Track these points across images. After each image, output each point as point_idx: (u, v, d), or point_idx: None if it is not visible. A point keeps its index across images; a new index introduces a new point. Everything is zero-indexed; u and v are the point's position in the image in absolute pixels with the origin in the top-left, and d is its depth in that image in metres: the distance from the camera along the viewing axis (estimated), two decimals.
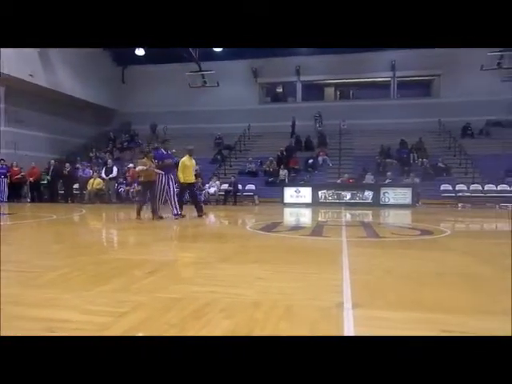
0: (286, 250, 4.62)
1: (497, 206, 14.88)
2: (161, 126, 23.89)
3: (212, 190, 16.93)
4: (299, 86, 25.33)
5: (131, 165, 17.03)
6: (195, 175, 10.61)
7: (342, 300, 2.51)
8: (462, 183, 16.58)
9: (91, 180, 16.62)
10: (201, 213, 9.29)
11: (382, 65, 23.37)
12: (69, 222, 9.15)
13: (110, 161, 18.04)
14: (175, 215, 8.61)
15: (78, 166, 18.40)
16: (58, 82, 20.69)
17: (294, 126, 22.42)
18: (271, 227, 7.16)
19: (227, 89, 23.87)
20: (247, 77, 24.77)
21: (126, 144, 23.83)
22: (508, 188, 15.99)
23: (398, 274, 3.33)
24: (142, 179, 8.65)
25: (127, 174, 17.27)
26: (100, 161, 20.85)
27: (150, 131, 24.34)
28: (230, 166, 20.32)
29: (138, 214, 8.53)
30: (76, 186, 17.47)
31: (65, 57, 20.81)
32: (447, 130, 20.47)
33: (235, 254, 4.34)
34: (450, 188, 16.39)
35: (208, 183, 17.29)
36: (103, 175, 16.80)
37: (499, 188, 16.11)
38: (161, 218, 8.49)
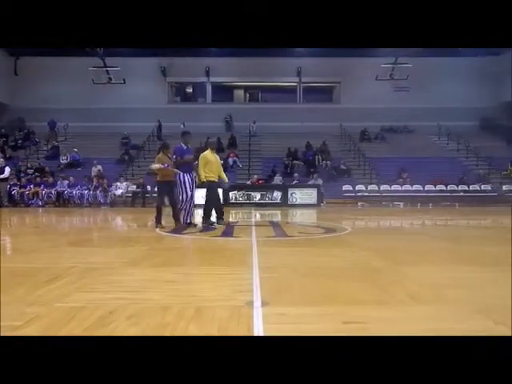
0: (196, 252, 4.58)
1: (391, 205, 16.29)
2: (61, 123, 22.22)
3: (119, 192, 16.20)
4: (209, 87, 25.33)
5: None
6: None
7: (252, 299, 2.55)
8: (361, 184, 17.89)
9: None
10: (221, 220, 7.67)
11: (289, 70, 24.34)
12: None
13: (1, 160, 16.34)
14: (186, 223, 7.26)
15: None
16: None
17: (160, 127, 22.18)
18: (181, 229, 7.04)
19: (134, 87, 23.05)
20: (155, 75, 24.14)
21: (20, 142, 21.77)
22: (400, 188, 17.61)
23: (304, 270, 3.48)
24: (158, 178, 7.37)
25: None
26: None
27: (49, 129, 22.51)
28: (138, 166, 19.60)
29: (158, 221, 7.18)
30: None
31: None
32: (348, 134, 21.97)
33: (143, 257, 4.19)
34: (351, 188, 17.58)
35: (114, 184, 16.49)
36: None
37: (392, 188, 17.68)
38: (191, 224, 7.25)
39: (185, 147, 7.26)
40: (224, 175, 7.86)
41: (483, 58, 22.88)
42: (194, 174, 7.34)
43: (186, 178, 7.08)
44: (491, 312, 2.27)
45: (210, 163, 7.46)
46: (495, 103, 23.52)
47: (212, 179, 7.47)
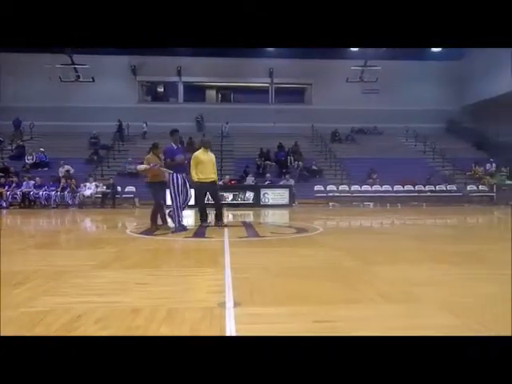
0: (167, 253, 4.53)
1: (361, 205, 16.59)
2: (26, 122, 21.46)
3: (88, 192, 15.81)
4: (181, 87, 25.10)
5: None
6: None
7: (224, 300, 2.54)
8: (332, 184, 18.14)
9: None
10: (220, 221, 7.30)
11: (262, 71, 24.41)
12: None
13: None
14: (180, 225, 6.80)
15: None
16: None
17: (120, 127, 21.98)
18: (152, 230, 6.94)
19: (104, 85, 22.57)
20: (126, 74, 23.71)
21: None
22: (370, 188, 17.96)
23: (276, 271, 3.50)
24: (148, 180, 7.11)
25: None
26: None
27: (14, 128, 21.71)
28: (108, 166, 19.21)
29: (153, 221, 7.00)
30: None
31: None
32: (319, 135, 22.24)
33: (113, 259, 4.11)
34: (322, 189, 17.79)
35: (83, 185, 16.09)
36: None
37: (363, 188, 18.01)
38: (184, 226, 6.90)
39: (175, 147, 6.98)
40: (215, 175, 7.44)
41: (448, 62, 23.65)
42: (185, 175, 7.00)
43: (178, 178, 6.78)
44: (456, 309, 2.35)
45: (202, 163, 7.16)
46: (459, 106, 24.35)
47: (202, 180, 7.16)
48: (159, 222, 7.08)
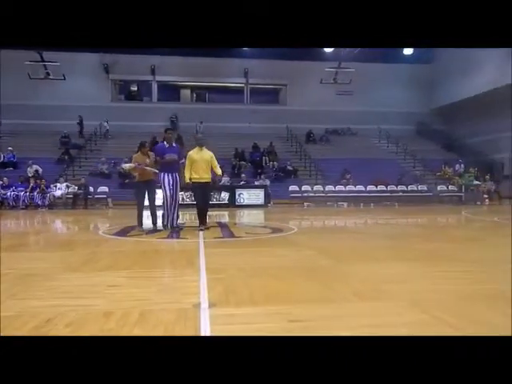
0: (141, 255, 4.45)
1: (335, 205, 16.80)
2: None
3: (58, 193, 15.40)
4: (155, 86, 24.81)
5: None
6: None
7: (199, 301, 2.52)
8: (306, 184, 18.28)
9: None
10: (202, 225, 6.82)
11: (236, 71, 24.39)
12: None
13: None
14: (172, 227, 6.74)
15: None
16: None
17: (81, 123, 21.59)
18: (126, 231, 6.82)
19: (75, 83, 22.07)
20: (98, 72, 23.25)
21: None
22: (344, 188, 18.20)
23: (251, 271, 3.50)
24: (135, 179, 6.92)
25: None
26: None
27: None
28: (80, 166, 18.76)
29: (139, 223, 6.91)
30: None
31: None
32: (294, 135, 22.38)
33: (84, 262, 4.02)
34: (297, 189, 17.91)
35: (53, 185, 15.66)
36: None
37: (337, 188, 18.24)
38: (177, 228, 6.78)
39: (167, 145, 6.78)
40: (218, 170, 7.00)
41: (419, 65, 24.25)
42: (176, 174, 6.80)
43: (167, 178, 6.61)
44: (425, 305, 2.40)
45: (195, 163, 6.75)
46: (429, 109, 25.00)
47: (195, 181, 6.75)
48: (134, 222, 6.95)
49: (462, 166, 20.20)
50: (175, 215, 6.83)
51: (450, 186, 18.83)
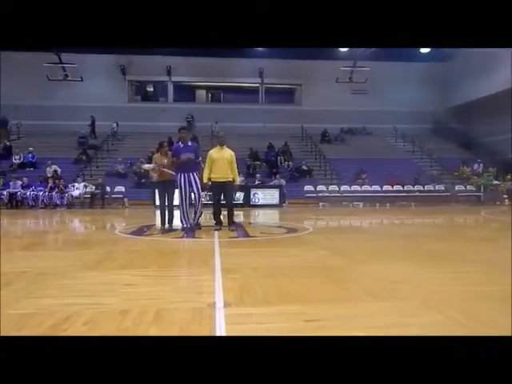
0: (156, 254, 4.49)
1: (350, 205, 16.67)
2: (14, 121, 21.13)
3: (76, 193, 15.64)
4: (170, 87, 24.99)
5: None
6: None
7: (214, 300, 2.53)
8: (322, 184, 18.19)
9: None
10: (231, 225, 6.84)
11: (251, 71, 24.37)
12: None
13: None
14: (191, 226, 6.75)
15: None
16: None
17: (93, 124, 21.69)
18: (142, 231, 6.90)
19: (92, 84, 22.34)
20: (114, 73, 23.51)
21: None
22: (359, 188, 18.05)
23: (265, 271, 3.49)
24: (154, 179, 6.99)
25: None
26: None
27: (0, 127, 21.37)
28: (97, 166, 19.02)
29: (162, 223, 6.82)
30: None
31: None
32: (309, 135, 22.29)
33: (101, 260, 4.07)
34: (312, 189, 17.83)
35: (71, 185, 15.91)
36: None
37: (352, 188, 18.09)
38: (194, 227, 6.77)
39: (181, 145, 6.71)
40: (231, 173, 6.83)
41: (434, 63, 23.87)
42: (191, 173, 6.67)
43: (182, 178, 6.58)
44: (437, 305, 2.37)
45: (215, 162, 6.68)
46: (445, 107, 24.59)
47: (214, 180, 6.68)
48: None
49: (481, 165, 19.83)
50: (194, 215, 6.81)
51: (468, 186, 18.50)
